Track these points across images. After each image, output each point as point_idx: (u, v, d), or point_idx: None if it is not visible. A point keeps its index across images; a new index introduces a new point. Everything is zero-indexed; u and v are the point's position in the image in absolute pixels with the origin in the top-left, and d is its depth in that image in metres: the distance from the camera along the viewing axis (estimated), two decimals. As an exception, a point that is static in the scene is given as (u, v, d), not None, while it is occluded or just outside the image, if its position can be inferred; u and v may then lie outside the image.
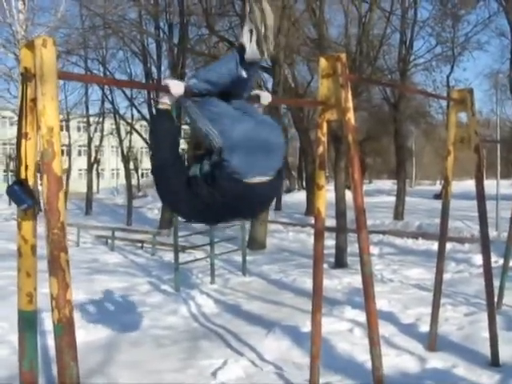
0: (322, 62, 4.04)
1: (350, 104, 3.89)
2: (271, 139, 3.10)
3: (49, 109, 2.34)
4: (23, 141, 2.52)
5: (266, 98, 3.44)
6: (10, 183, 2.51)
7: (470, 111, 5.67)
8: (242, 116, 3.09)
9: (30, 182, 2.52)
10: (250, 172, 2.98)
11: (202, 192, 2.95)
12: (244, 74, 3.28)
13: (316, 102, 4.15)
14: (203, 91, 3.18)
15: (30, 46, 2.42)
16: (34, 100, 2.42)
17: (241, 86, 3.32)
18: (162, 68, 21.88)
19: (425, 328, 6.47)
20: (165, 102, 3.02)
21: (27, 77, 2.42)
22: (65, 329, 2.32)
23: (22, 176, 2.51)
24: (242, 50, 3.24)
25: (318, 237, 4.22)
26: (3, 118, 39.84)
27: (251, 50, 3.21)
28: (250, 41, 3.21)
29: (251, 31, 3.21)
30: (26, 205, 2.47)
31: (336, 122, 4.18)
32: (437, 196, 33.62)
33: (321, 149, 4.12)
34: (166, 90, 2.95)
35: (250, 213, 3.32)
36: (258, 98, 3.42)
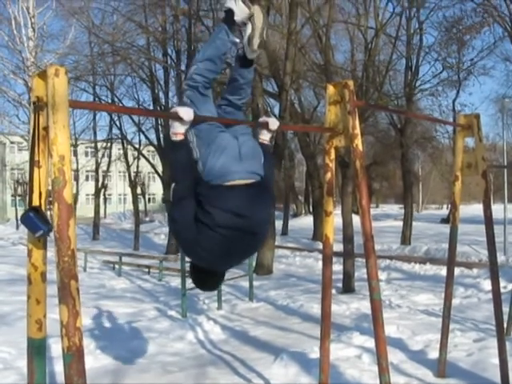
0: (330, 88, 4.07)
1: (358, 130, 3.91)
2: (245, 150, 3.21)
3: (60, 137, 2.36)
4: (35, 169, 2.54)
5: (273, 124, 3.45)
6: (25, 211, 2.52)
7: (477, 137, 5.67)
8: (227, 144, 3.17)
9: (43, 209, 2.54)
10: (227, 175, 3.05)
11: (200, 217, 2.97)
12: (236, 39, 3.40)
13: (324, 129, 4.16)
14: (207, 73, 3.30)
15: (43, 75, 2.45)
16: (46, 128, 2.44)
17: (237, 77, 3.46)
18: (170, 94, 22.10)
19: (434, 354, 6.41)
20: (178, 132, 3.00)
21: (39, 105, 2.45)
22: (74, 357, 2.31)
23: (36, 203, 2.53)
24: (228, 17, 3.36)
25: (327, 263, 4.21)
26: (12, 143, 40.09)
27: (238, 8, 3.34)
28: (235, 2, 3.34)
29: None
30: (42, 231, 2.47)
31: (344, 148, 4.21)
32: (444, 220, 33.58)
33: (329, 175, 4.13)
34: (177, 117, 2.95)
35: (253, 225, 3.10)
36: (266, 124, 3.44)
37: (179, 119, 2.95)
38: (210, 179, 3.04)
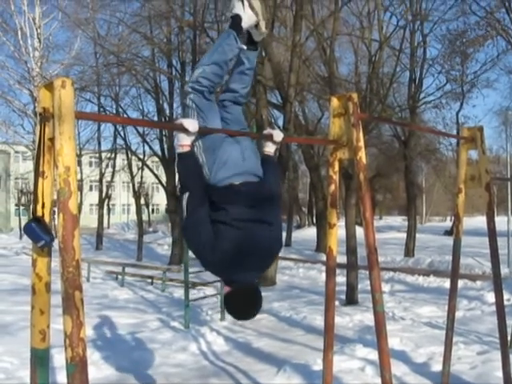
0: (334, 101, 4.08)
1: (362, 143, 3.91)
2: (248, 154, 3.28)
3: (66, 148, 2.38)
4: (40, 179, 2.56)
5: (278, 136, 3.46)
6: (28, 221, 2.54)
7: (480, 149, 5.67)
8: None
9: (47, 220, 2.54)
10: (233, 178, 3.11)
11: (214, 217, 3.00)
12: (244, 46, 3.41)
13: (328, 141, 4.17)
14: (213, 78, 3.29)
15: (49, 86, 2.47)
16: (52, 139, 2.46)
17: (244, 60, 3.47)
18: (174, 105, 22.19)
19: (437, 367, 6.39)
20: (184, 144, 3.01)
21: (45, 117, 2.46)
22: (78, 368, 2.31)
23: (39, 213, 2.54)
24: (235, 24, 3.38)
25: (330, 274, 4.20)
26: (16, 153, 40.23)
27: (247, 15, 3.37)
28: (243, 9, 3.37)
29: (242, 0, 3.39)
30: (44, 241, 2.48)
31: (347, 160, 4.21)
32: (447, 232, 33.52)
33: (332, 187, 4.14)
34: (182, 128, 2.96)
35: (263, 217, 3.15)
36: (270, 136, 3.45)
37: (185, 131, 2.96)
38: (216, 182, 3.10)
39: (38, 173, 2.56)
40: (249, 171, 3.20)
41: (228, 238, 2.97)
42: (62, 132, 2.39)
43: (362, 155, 3.91)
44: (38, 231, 2.48)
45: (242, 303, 3.07)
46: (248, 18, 3.38)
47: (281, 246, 3.33)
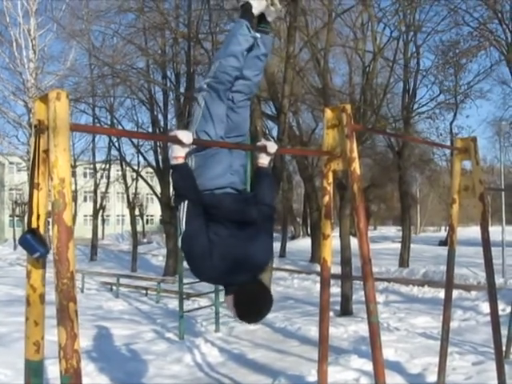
0: (328, 112, 4.10)
1: (356, 154, 3.93)
2: (237, 165, 3.32)
3: (61, 160, 2.39)
4: (35, 191, 2.56)
5: (272, 147, 3.46)
6: (23, 232, 2.54)
7: (473, 160, 5.70)
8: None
9: (42, 231, 2.55)
10: (220, 186, 3.14)
11: (208, 218, 3.00)
12: (257, 34, 3.35)
13: (322, 152, 4.19)
14: (230, 71, 3.24)
15: (44, 98, 2.48)
16: (47, 151, 2.47)
17: (260, 44, 3.40)
18: (169, 116, 22.23)
19: (432, 378, 6.38)
20: (179, 156, 2.99)
21: (40, 129, 2.48)
22: (72, 379, 2.31)
23: (34, 225, 2.54)
24: (245, 11, 3.36)
25: (325, 286, 4.21)
26: (11, 163, 40.12)
27: (256, 1, 3.35)
28: None
29: None
30: (39, 253, 2.49)
31: (342, 172, 4.22)
32: (442, 243, 33.55)
33: (326, 198, 4.15)
34: (176, 140, 2.95)
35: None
36: (264, 147, 3.46)
37: (179, 142, 2.96)
38: (204, 189, 3.10)
39: (32, 184, 2.57)
40: (231, 186, 3.20)
41: (221, 238, 2.97)
42: (56, 144, 2.40)
43: (356, 166, 3.92)
44: (33, 243, 2.49)
45: (255, 298, 3.01)
46: (258, 3, 3.35)
47: (270, 256, 3.30)
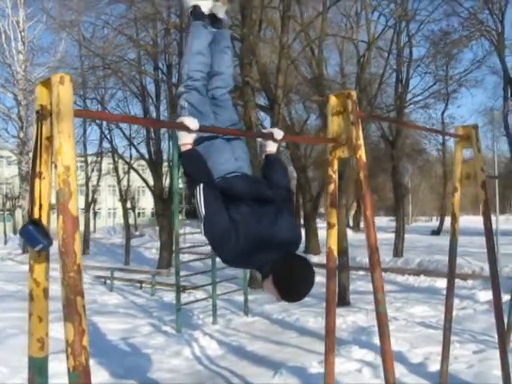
0: (332, 99, 4.00)
1: (361, 141, 3.84)
2: (239, 154, 3.32)
3: (65, 147, 2.27)
4: (37, 180, 2.45)
5: (279, 134, 3.42)
6: (24, 223, 2.42)
7: (475, 147, 5.63)
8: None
9: (45, 222, 2.43)
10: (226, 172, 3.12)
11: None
12: (214, 29, 3.56)
13: (327, 140, 4.09)
14: (201, 67, 3.39)
15: (46, 83, 2.37)
16: (50, 138, 2.36)
17: (220, 38, 3.57)
18: (161, 108, 22.07)
19: (434, 367, 6.34)
20: (187, 143, 2.96)
21: (43, 114, 2.36)
22: (80, 377, 2.22)
23: (36, 216, 2.42)
24: (196, 14, 3.52)
25: (331, 276, 4.12)
26: (0, 157, 39.81)
27: (202, 1, 3.50)
28: None
29: None
30: (42, 245, 2.35)
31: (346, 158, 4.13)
32: (434, 232, 33.66)
33: (332, 186, 4.06)
34: (183, 126, 2.89)
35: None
36: (271, 134, 3.39)
37: (186, 129, 2.90)
38: (214, 177, 3.07)
39: (34, 173, 2.45)
40: (239, 170, 3.17)
41: (241, 215, 2.90)
42: (60, 130, 2.28)
43: (362, 153, 3.84)
44: (35, 234, 2.36)
45: (294, 267, 2.86)
46: (204, 3, 3.49)
47: (297, 233, 3.15)
